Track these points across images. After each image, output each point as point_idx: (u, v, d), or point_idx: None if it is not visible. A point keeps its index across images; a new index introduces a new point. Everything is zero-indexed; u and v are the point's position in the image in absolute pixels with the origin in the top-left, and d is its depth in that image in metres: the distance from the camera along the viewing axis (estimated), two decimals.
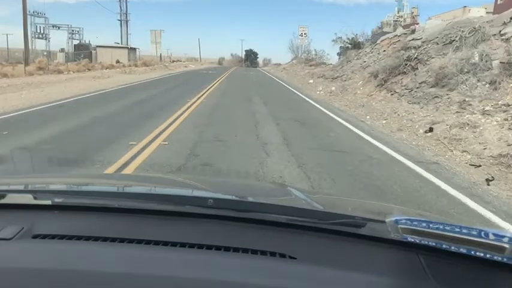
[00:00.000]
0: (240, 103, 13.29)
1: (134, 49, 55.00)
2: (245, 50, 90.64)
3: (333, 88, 18.09)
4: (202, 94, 15.32)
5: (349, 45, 24.35)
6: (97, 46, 52.53)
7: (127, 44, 55.95)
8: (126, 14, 56.41)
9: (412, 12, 46.56)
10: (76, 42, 54.54)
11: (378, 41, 20.77)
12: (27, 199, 1.27)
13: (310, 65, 41.36)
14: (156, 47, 45.44)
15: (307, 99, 16.01)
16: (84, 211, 1.23)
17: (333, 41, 27.08)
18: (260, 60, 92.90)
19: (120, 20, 56.61)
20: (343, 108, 12.97)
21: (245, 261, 0.99)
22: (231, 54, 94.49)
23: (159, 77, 26.38)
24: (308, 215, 1.18)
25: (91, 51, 51.51)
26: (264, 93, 17.84)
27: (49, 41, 53.53)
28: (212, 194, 1.42)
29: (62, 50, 53.00)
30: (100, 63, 32.70)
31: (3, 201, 1.24)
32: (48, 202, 1.26)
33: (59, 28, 55.30)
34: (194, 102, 12.41)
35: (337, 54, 32.52)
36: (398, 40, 17.92)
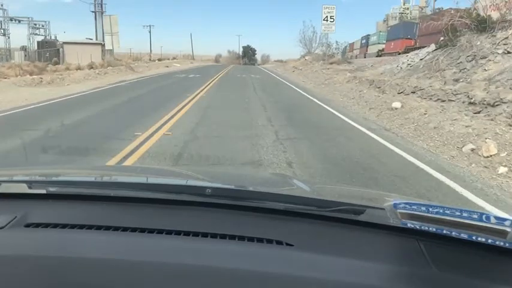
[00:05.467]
0: None
1: None
2: (242, 47, 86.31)
3: None
4: None
5: (472, 25, 12.17)
6: (64, 43, 43.38)
7: (103, 40, 45.83)
8: (102, 5, 46.36)
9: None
10: (41, 38, 45.03)
11: None
12: (21, 188, 1.24)
13: (331, 63, 30.07)
14: (111, 40, 33.92)
15: None
16: (78, 200, 1.20)
17: (421, 17, 15.03)
18: (258, 56, 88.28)
19: (95, 12, 46.39)
20: None
21: (241, 248, 0.96)
22: (228, 51, 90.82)
23: (76, 95, 13.88)
24: (306, 202, 1.15)
25: (58, 49, 42.25)
26: None
27: (9, 37, 44.38)
28: (210, 183, 1.38)
29: (23, 48, 43.89)
30: (8, 67, 20.79)
31: None
32: (43, 191, 1.24)
33: (19, 22, 46.15)
34: None
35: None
36: None
